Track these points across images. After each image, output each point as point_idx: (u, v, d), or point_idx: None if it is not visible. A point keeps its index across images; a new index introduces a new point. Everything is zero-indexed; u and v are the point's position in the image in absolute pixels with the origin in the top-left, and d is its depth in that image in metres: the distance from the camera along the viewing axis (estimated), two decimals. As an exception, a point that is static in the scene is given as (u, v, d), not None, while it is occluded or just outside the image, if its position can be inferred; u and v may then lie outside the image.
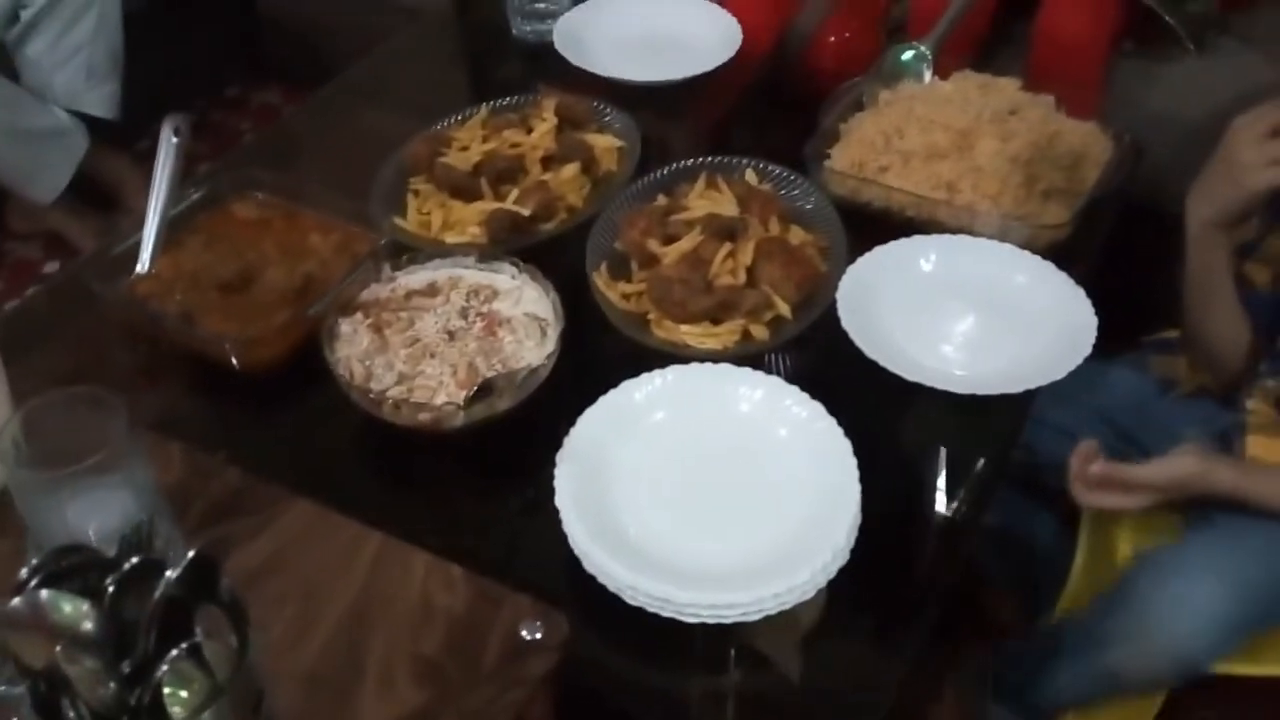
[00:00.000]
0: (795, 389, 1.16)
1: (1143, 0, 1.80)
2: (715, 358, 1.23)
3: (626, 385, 1.17)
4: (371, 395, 1.15)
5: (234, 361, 1.22)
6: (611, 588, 1.02)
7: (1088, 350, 1.23)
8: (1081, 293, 1.29)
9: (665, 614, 1.00)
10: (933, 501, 1.19)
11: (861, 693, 1.04)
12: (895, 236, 1.38)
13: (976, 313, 1.31)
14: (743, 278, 1.31)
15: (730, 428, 1.15)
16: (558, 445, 1.13)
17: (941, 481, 1.21)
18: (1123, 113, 1.75)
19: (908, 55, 1.60)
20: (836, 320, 1.27)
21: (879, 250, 1.35)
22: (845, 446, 1.10)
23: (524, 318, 1.24)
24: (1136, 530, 1.43)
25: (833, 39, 1.93)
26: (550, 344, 1.20)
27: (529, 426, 1.18)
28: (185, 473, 1.01)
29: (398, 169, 1.49)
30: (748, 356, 1.25)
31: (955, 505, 1.18)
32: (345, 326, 1.23)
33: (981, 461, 1.22)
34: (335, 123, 1.75)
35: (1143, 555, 1.31)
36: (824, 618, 1.06)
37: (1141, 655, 1.23)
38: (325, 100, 1.81)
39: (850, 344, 1.24)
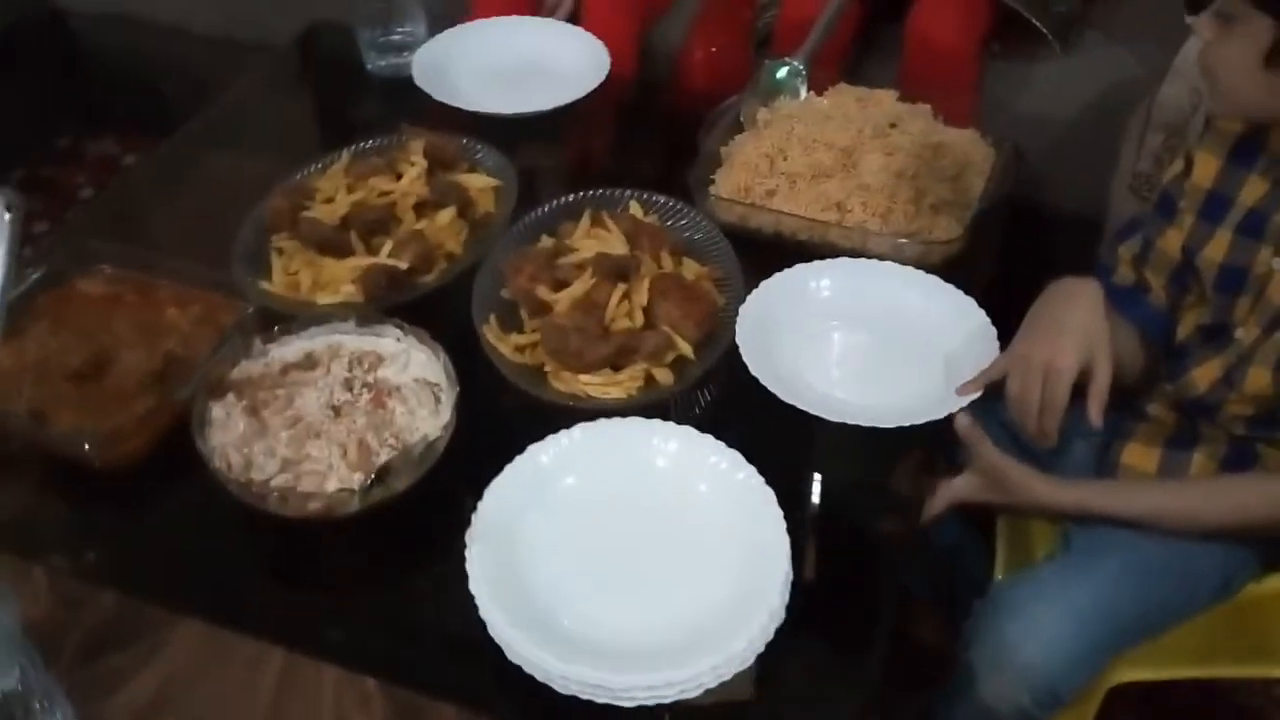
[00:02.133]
0: (710, 438, 1.10)
1: (1008, 3, 1.79)
2: (620, 408, 1.17)
3: (532, 449, 1.09)
4: (254, 487, 1.06)
5: (94, 460, 1.11)
6: (540, 678, 0.95)
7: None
8: (982, 314, 1.26)
9: (600, 701, 0.94)
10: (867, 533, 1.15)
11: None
12: (788, 261, 1.34)
13: (879, 339, 1.28)
14: (640, 320, 1.25)
15: (647, 486, 1.08)
16: (463, 518, 1.05)
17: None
18: (995, 117, 1.76)
19: (782, 72, 1.56)
20: (737, 355, 1.22)
21: (775, 279, 1.30)
22: (769, 497, 1.04)
23: (414, 384, 1.15)
24: (1048, 536, 1.41)
25: (700, 55, 1.90)
26: (445, 412, 1.12)
27: (430, 502, 1.10)
28: (53, 603, 0.91)
29: (257, 226, 1.38)
30: (653, 403, 1.19)
31: (890, 532, 1.14)
32: (217, 410, 1.13)
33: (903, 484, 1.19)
34: (182, 176, 1.63)
35: (999, 585, 1.29)
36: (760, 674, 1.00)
37: (1004, 687, 1.21)
38: (169, 151, 1.69)
39: (756, 381, 1.19)
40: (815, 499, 1.17)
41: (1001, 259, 1.47)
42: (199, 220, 1.52)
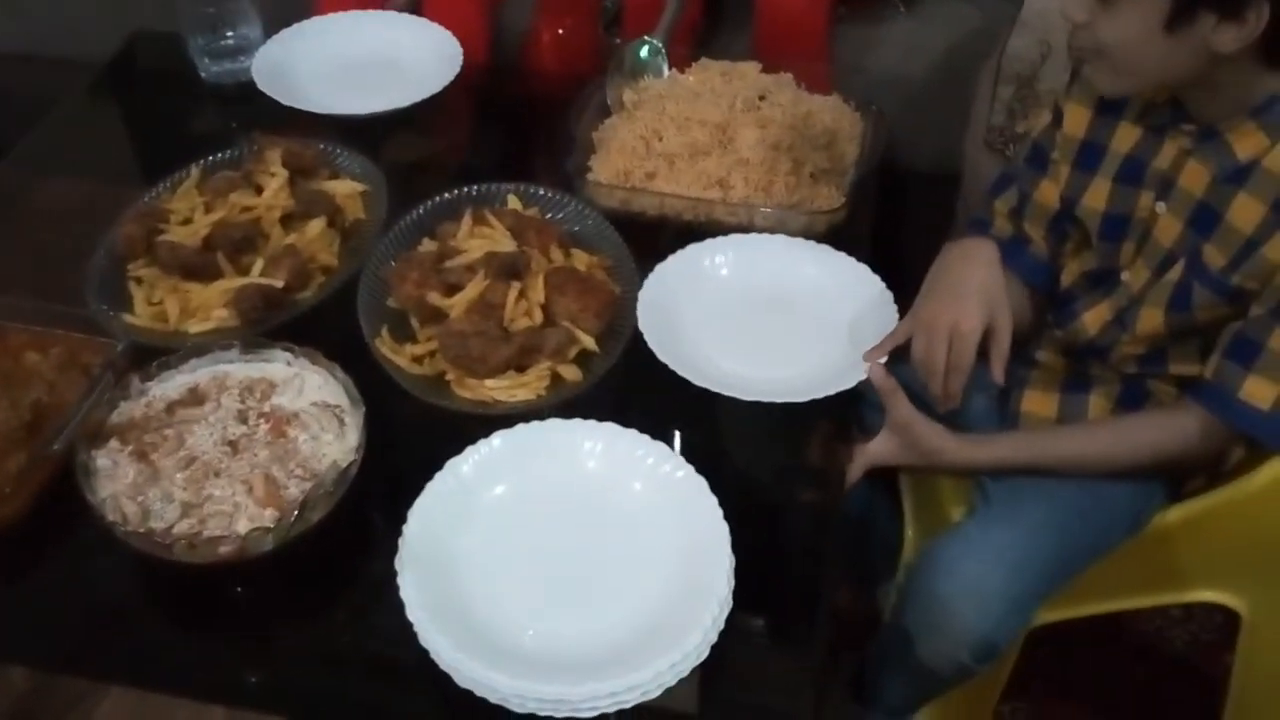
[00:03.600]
0: (634, 433, 1.07)
1: (850, -34, 1.82)
2: (530, 410, 1.13)
3: (452, 463, 1.05)
4: (156, 537, 0.98)
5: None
6: (494, 700, 0.91)
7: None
8: (877, 279, 1.28)
9: (560, 716, 0.91)
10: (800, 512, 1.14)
11: (784, 715, 0.99)
12: (676, 243, 1.32)
13: (780, 312, 1.28)
14: (539, 317, 1.21)
15: (579, 489, 1.05)
16: (382, 543, 1.00)
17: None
18: (848, 80, 1.77)
19: (644, 51, 1.54)
20: (641, 343, 1.20)
21: (670, 262, 1.29)
22: (702, 487, 1.03)
23: (313, 408, 1.09)
24: (957, 493, 1.44)
25: (548, 37, 1.87)
26: (352, 434, 1.07)
27: (345, 529, 1.05)
28: (-47, 695, 0.82)
29: (110, 255, 1.29)
30: (563, 401, 1.16)
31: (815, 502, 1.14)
32: (102, 459, 1.04)
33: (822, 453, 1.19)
34: (12, 206, 1.50)
35: (926, 547, 1.32)
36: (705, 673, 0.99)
37: (942, 646, 1.24)
38: (-6, 183, 1.55)
39: (664, 366, 1.17)
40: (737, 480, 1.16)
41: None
42: (37, 254, 1.40)
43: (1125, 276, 1.23)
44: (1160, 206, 1.18)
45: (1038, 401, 1.34)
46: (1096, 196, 1.23)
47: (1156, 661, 1.74)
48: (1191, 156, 1.15)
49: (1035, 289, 1.33)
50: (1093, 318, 1.26)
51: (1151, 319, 1.21)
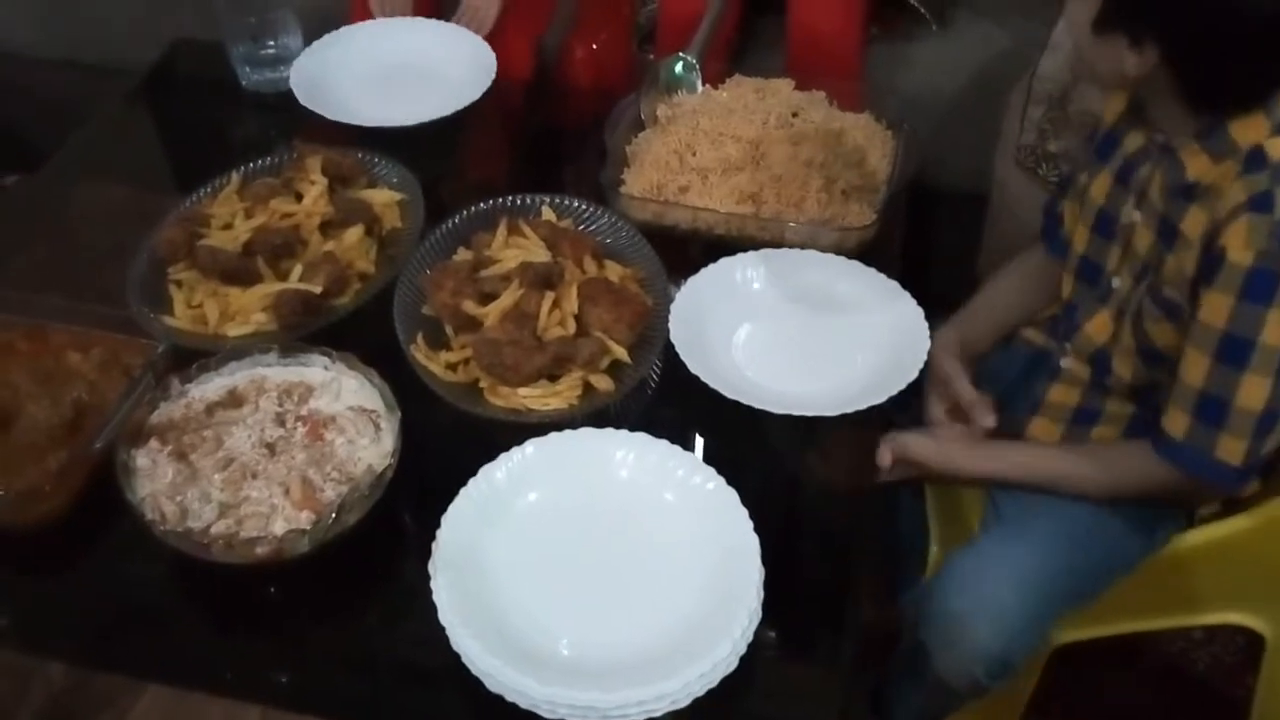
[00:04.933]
0: (666, 444, 1.08)
1: (883, -15, 1.83)
2: (562, 419, 1.15)
3: (486, 469, 1.06)
4: (194, 537, 0.99)
5: (11, 522, 1.03)
6: (525, 705, 0.92)
7: (927, 346, 1.23)
8: (908, 295, 1.28)
9: (590, 722, 0.92)
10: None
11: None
12: (707, 257, 1.33)
13: (811, 327, 1.29)
14: (572, 327, 1.22)
15: (611, 498, 1.06)
16: (415, 547, 1.01)
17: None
18: (879, 98, 1.78)
19: (679, 67, 1.55)
20: (673, 355, 1.21)
21: (702, 275, 1.30)
22: (733, 500, 1.04)
23: (349, 413, 1.11)
24: (976, 506, 1.45)
25: (581, 53, 1.88)
26: (388, 439, 1.08)
27: (378, 533, 1.06)
28: (-4, 682, 0.83)
29: (151, 258, 1.30)
30: (594, 411, 1.17)
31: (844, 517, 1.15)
32: (142, 458, 1.06)
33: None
34: (54, 212, 1.52)
35: (945, 560, 1.33)
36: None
37: (957, 660, 1.24)
38: (38, 185, 1.58)
39: (695, 378, 1.18)
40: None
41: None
42: (78, 257, 1.42)
43: (1115, 283, 1.23)
44: (1137, 215, 1.20)
45: (1043, 429, 1.35)
46: (1099, 189, 1.25)
47: (1179, 683, 1.73)
48: (1156, 169, 1.17)
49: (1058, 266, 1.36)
50: (1095, 327, 1.26)
51: (1126, 333, 1.22)
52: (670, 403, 1.22)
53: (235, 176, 1.41)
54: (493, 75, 1.61)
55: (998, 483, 1.31)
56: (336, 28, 1.72)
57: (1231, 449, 1.12)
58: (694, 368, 1.19)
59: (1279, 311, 1.07)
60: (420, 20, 1.77)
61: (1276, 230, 1.05)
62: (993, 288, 1.46)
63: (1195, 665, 1.74)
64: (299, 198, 1.36)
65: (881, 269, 1.32)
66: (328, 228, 1.34)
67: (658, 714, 0.92)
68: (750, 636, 0.96)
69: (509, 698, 0.92)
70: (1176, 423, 1.15)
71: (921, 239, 1.61)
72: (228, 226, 1.33)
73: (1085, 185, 1.29)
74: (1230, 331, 1.09)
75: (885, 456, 1.26)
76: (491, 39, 1.68)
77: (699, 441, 1.16)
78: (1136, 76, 1.10)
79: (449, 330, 1.24)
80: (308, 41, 1.67)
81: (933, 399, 1.33)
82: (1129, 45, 1.07)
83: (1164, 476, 1.19)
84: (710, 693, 0.93)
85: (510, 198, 1.37)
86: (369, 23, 1.76)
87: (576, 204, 1.37)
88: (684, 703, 0.93)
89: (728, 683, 0.94)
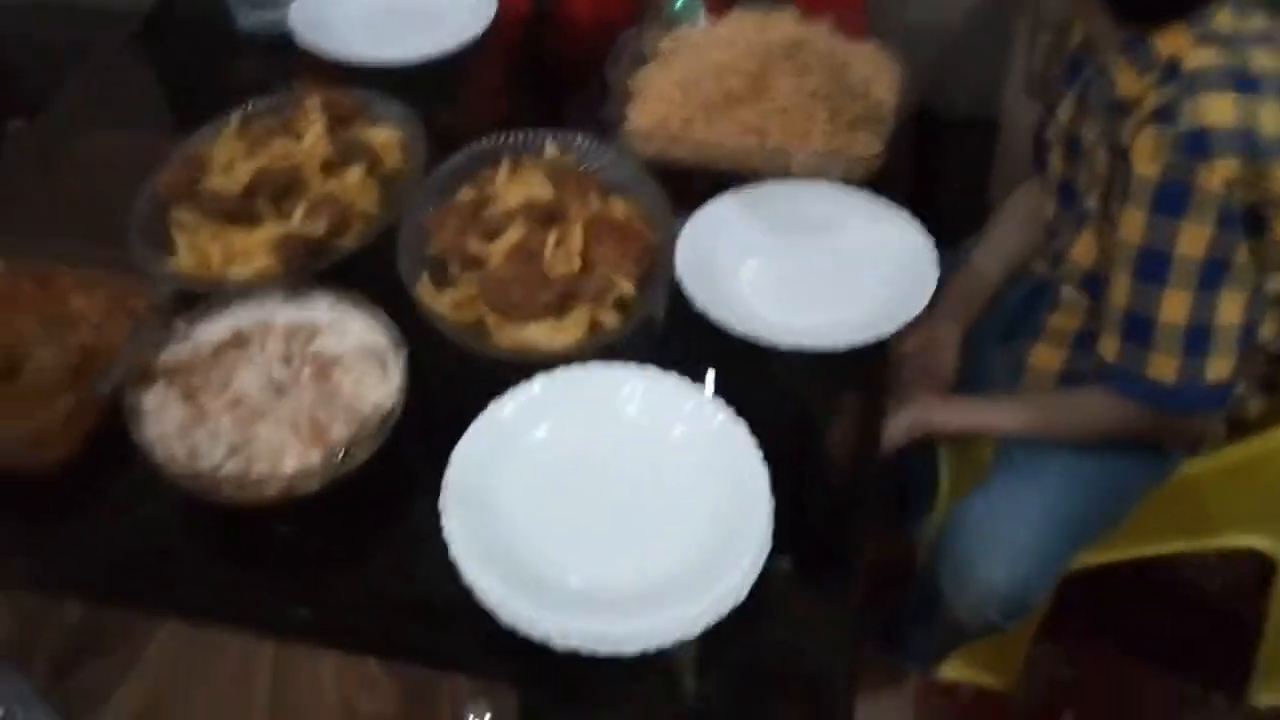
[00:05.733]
0: (674, 377, 1.08)
1: (888, -87, 1.80)
2: (569, 355, 1.14)
3: (494, 405, 1.06)
4: (204, 477, 1.00)
5: (21, 466, 1.03)
6: (538, 637, 0.93)
7: (935, 276, 1.22)
8: (917, 225, 1.27)
9: (603, 652, 0.92)
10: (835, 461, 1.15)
11: (821, 656, 0.99)
12: (712, 190, 1.32)
13: (819, 259, 1.28)
14: (578, 264, 1.22)
15: (621, 433, 1.06)
16: (424, 484, 1.01)
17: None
18: (885, 28, 1.75)
19: (681, 1, 1.53)
20: (679, 290, 1.20)
21: (708, 209, 1.29)
22: (743, 432, 1.04)
23: (356, 352, 1.10)
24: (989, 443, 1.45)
25: (583, -13, 1.85)
26: (395, 377, 1.08)
27: (388, 471, 1.06)
28: (12, 619, 0.84)
29: (153, 201, 1.29)
30: (602, 346, 1.16)
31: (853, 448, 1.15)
32: (149, 400, 1.06)
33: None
34: (54, 157, 1.51)
35: (954, 506, 1.33)
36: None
37: (971, 602, 1.25)
38: (38, 133, 1.56)
39: (701, 313, 1.18)
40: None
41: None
42: (78, 202, 1.42)
43: (1090, 204, 1.22)
44: (1090, 135, 1.18)
45: (1045, 355, 1.34)
46: (1066, 111, 1.24)
47: (1191, 606, 1.74)
48: (1092, 87, 1.15)
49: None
50: (1080, 250, 1.25)
51: (1093, 250, 1.21)
52: (678, 338, 1.22)
53: (234, 118, 1.39)
54: (493, 12, 1.59)
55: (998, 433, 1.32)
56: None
57: (1163, 366, 1.10)
58: (700, 302, 1.18)
59: (1191, 223, 1.04)
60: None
61: (1180, 141, 1.02)
62: (994, 235, 1.45)
63: (1208, 588, 1.75)
64: (299, 138, 1.35)
65: (890, 199, 1.31)
66: (329, 168, 1.33)
67: (668, 642, 0.92)
68: (760, 567, 0.96)
69: (521, 629, 0.93)
70: (1108, 346, 1.14)
71: (930, 168, 1.60)
72: (228, 168, 1.32)
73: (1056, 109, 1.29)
74: (1146, 246, 1.07)
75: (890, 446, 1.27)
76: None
77: (708, 375, 1.16)
78: None
79: (453, 269, 1.24)
80: (306, -19, 1.64)
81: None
82: None
83: (1121, 412, 1.18)
84: (721, 622, 0.94)
85: (513, 135, 1.35)
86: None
87: (580, 140, 1.36)
88: (695, 631, 0.93)
89: (738, 613, 0.94)
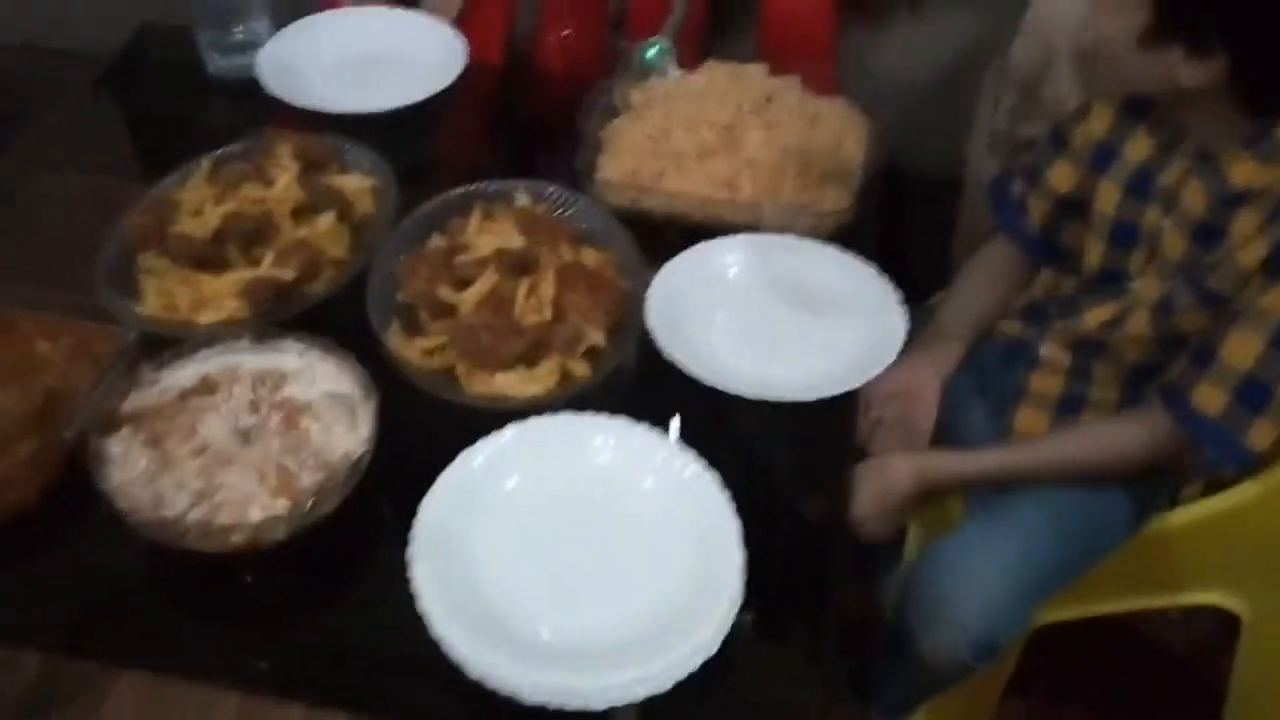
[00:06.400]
0: (645, 428, 1.08)
1: (856, -30, 1.83)
2: (540, 405, 1.14)
3: (465, 454, 1.05)
4: (168, 525, 0.98)
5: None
6: (506, 691, 0.91)
7: (903, 331, 1.23)
8: (884, 280, 1.28)
9: (571, 707, 0.91)
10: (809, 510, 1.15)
11: (791, 710, 0.99)
12: (683, 242, 1.33)
13: (788, 312, 1.29)
14: (549, 313, 1.22)
15: (591, 483, 1.06)
16: (391, 534, 1.00)
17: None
18: (851, 82, 1.78)
19: (653, 52, 1.55)
20: (649, 340, 1.20)
21: (679, 260, 1.30)
22: (713, 484, 1.04)
23: (325, 399, 1.10)
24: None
25: (553, 39, 1.87)
26: (364, 424, 1.07)
27: (355, 520, 1.05)
28: (-32, 674, 0.82)
29: (121, 246, 1.28)
30: (572, 396, 1.16)
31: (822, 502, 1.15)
32: (114, 447, 1.04)
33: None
34: (19, 200, 1.49)
35: (927, 548, 1.34)
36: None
37: (943, 645, 1.26)
38: (1, 175, 1.55)
39: (671, 364, 1.18)
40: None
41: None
42: (44, 247, 1.40)
43: (1136, 285, 1.24)
44: (1166, 222, 1.19)
45: (1031, 418, 1.35)
46: (1106, 202, 1.24)
47: (1156, 664, 1.75)
48: (1192, 176, 1.16)
49: (1022, 253, 1.39)
50: (1093, 316, 1.28)
51: (1140, 320, 1.22)
52: (648, 387, 1.22)
53: (205, 162, 1.39)
54: (464, 61, 1.60)
55: (979, 482, 1.32)
56: (306, 14, 1.70)
57: (1263, 435, 1.13)
58: (671, 353, 1.19)
59: None
60: (389, 9, 1.76)
61: None
62: (961, 294, 1.47)
63: (1172, 645, 1.76)
64: (270, 184, 1.35)
65: (858, 253, 1.32)
66: (300, 214, 1.32)
67: (639, 697, 0.92)
68: (731, 620, 0.96)
69: (489, 683, 0.92)
70: (1211, 400, 1.14)
71: (896, 223, 1.62)
72: (198, 213, 1.31)
73: (1057, 182, 1.30)
74: None
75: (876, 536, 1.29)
76: (462, 25, 1.66)
77: (677, 426, 1.16)
78: (1189, 87, 1.07)
79: (424, 316, 1.23)
80: (277, 28, 1.65)
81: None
82: (1186, 56, 1.05)
83: (1162, 447, 1.19)
84: (691, 676, 0.93)
85: (484, 183, 1.35)
86: (338, 10, 1.75)
87: (551, 190, 1.36)
88: (665, 686, 0.92)
89: (709, 666, 0.94)
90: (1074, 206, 1.31)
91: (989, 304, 1.46)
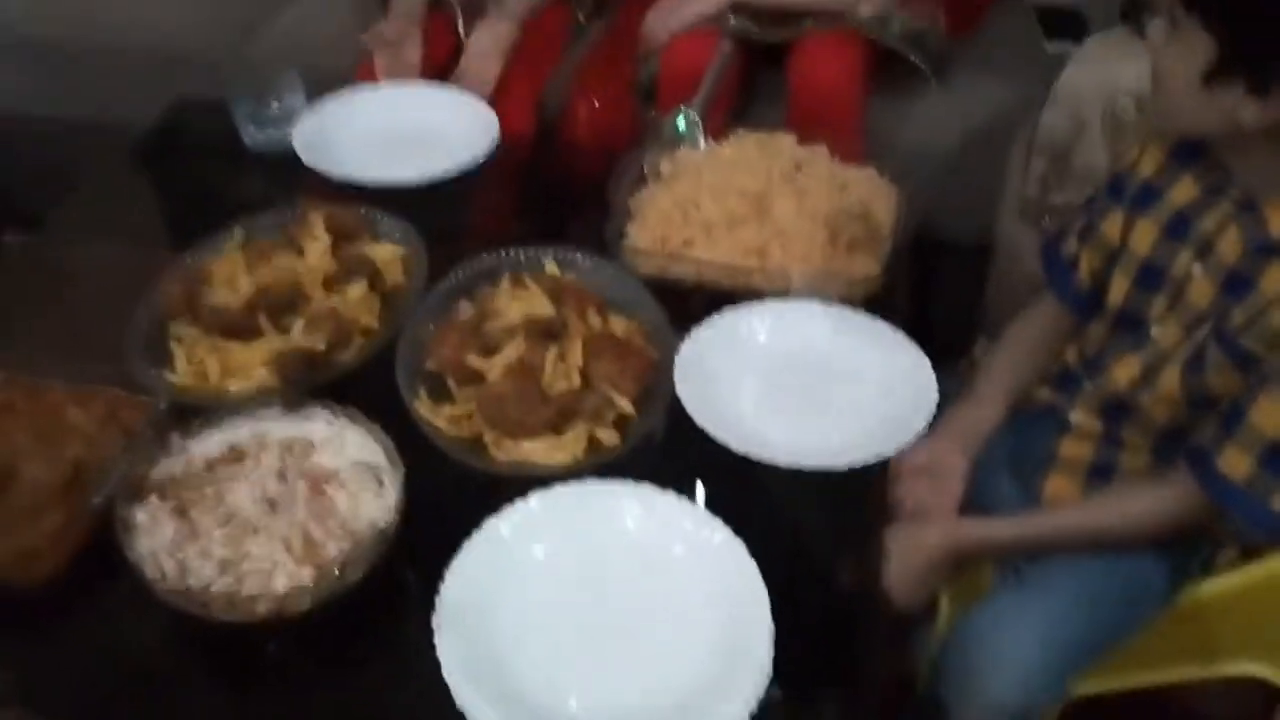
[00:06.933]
0: (673, 496, 1.07)
1: (883, 43, 1.84)
2: (567, 472, 1.13)
3: (490, 523, 1.05)
4: (194, 594, 0.98)
5: (8, 583, 1.01)
6: (534, 766, 0.90)
7: (935, 397, 1.21)
8: (915, 347, 1.27)
9: (601, 783, 0.89)
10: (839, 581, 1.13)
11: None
12: (710, 308, 1.33)
13: (818, 380, 1.27)
14: (577, 381, 1.21)
15: (618, 551, 1.05)
16: (418, 603, 0.99)
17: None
18: (879, 151, 1.79)
19: (681, 122, 1.56)
20: (678, 407, 1.20)
21: (707, 326, 1.29)
22: (742, 553, 1.02)
23: (352, 468, 1.09)
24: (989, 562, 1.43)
25: (584, 110, 1.90)
26: (391, 494, 1.06)
27: (381, 590, 1.04)
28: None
29: (152, 315, 1.29)
30: (600, 464, 1.15)
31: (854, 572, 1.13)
32: (141, 515, 1.04)
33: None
34: (53, 272, 1.51)
35: (959, 619, 1.31)
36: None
37: (976, 716, 1.23)
38: (36, 244, 1.57)
39: (700, 431, 1.17)
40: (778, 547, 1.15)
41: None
42: (76, 317, 1.41)
43: (1155, 332, 1.23)
44: (1197, 268, 1.18)
45: (1061, 486, 1.33)
46: (1142, 241, 1.23)
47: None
48: (1232, 223, 1.15)
49: (1070, 313, 1.37)
50: (1122, 371, 1.26)
51: (1170, 378, 1.20)
52: (676, 454, 1.21)
53: (238, 232, 1.41)
54: (495, 135, 1.62)
55: (1009, 550, 1.30)
56: (341, 88, 1.72)
57: None
58: (700, 420, 1.18)
59: None
60: (424, 84, 1.79)
61: None
62: (1000, 360, 1.44)
63: (1214, 719, 1.70)
64: (301, 253, 1.36)
65: (887, 320, 1.32)
66: (331, 283, 1.33)
67: (667, 773, 0.90)
68: (761, 694, 0.94)
69: (517, 759, 0.90)
70: (1237, 465, 1.12)
71: (925, 291, 1.61)
72: (230, 282, 1.32)
73: (1111, 233, 1.29)
74: None
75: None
76: (494, 97, 1.69)
77: (705, 493, 1.14)
78: (1250, 126, 1.06)
79: (452, 384, 1.23)
80: (312, 101, 1.68)
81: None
82: (1249, 93, 1.04)
83: (1188, 513, 1.17)
84: (722, 752, 0.91)
85: (513, 251, 1.36)
86: (373, 85, 1.78)
87: (580, 257, 1.37)
88: (695, 762, 0.90)
89: (739, 741, 0.92)
90: (1124, 255, 1.30)
91: (1024, 374, 1.44)
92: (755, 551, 1.03)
